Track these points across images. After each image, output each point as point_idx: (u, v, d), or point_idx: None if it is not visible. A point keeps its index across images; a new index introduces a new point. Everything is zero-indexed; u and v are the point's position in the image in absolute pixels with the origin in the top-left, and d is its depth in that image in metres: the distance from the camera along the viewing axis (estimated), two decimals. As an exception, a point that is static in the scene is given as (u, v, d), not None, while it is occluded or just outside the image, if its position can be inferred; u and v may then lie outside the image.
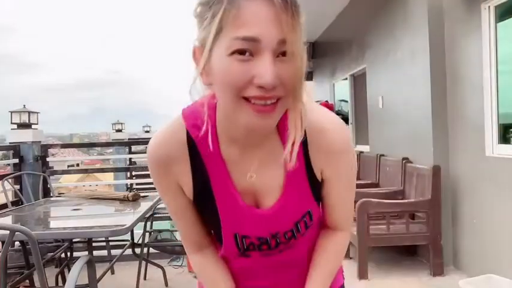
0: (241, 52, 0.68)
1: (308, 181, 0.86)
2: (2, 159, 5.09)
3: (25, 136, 4.53)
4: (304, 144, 0.82)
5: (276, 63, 0.68)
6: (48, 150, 4.63)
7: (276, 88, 0.69)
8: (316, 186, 0.88)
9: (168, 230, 3.68)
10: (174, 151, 0.83)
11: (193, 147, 0.82)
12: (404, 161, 4.15)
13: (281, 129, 0.81)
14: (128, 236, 3.46)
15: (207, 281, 0.98)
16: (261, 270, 0.97)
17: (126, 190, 6.66)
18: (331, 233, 0.98)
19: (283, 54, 0.69)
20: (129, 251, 3.51)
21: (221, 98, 0.74)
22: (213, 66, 0.71)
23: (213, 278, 0.97)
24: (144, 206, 3.01)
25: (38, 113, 4.84)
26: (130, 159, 8.07)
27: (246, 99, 0.70)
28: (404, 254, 4.09)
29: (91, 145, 8.71)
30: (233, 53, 0.68)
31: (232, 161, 0.83)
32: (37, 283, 2.33)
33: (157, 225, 3.73)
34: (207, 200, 0.86)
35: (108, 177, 9.42)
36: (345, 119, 6.80)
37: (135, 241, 3.48)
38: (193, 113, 0.82)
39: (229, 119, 0.77)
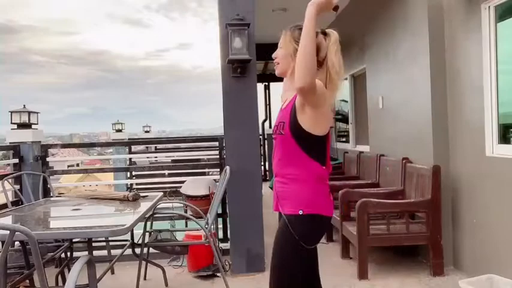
0: None
1: (292, 106, 1.80)
2: (2, 159, 5.09)
3: (25, 136, 4.52)
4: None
5: (277, 50, 1.94)
6: (48, 150, 4.63)
7: (276, 58, 1.94)
8: (293, 112, 1.78)
9: (168, 230, 3.68)
10: None
11: None
12: (404, 161, 4.15)
13: None
14: (128, 236, 3.46)
15: None
16: (274, 159, 1.90)
17: (126, 190, 6.66)
18: None
19: (280, 47, 1.92)
20: (129, 251, 3.51)
21: None
22: None
23: None
24: (144, 206, 3.01)
25: (38, 113, 4.83)
26: (130, 159, 8.06)
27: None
28: (404, 254, 4.09)
29: (91, 145, 8.67)
30: None
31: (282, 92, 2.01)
32: (37, 283, 2.33)
33: (157, 225, 3.73)
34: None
35: (108, 177, 9.42)
36: (345, 119, 6.81)
37: (135, 241, 3.48)
38: None
39: None
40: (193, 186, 4.41)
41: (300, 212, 1.77)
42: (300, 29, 1.77)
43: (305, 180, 1.79)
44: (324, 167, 1.83)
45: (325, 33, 1.90)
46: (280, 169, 1.86)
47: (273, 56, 1.93)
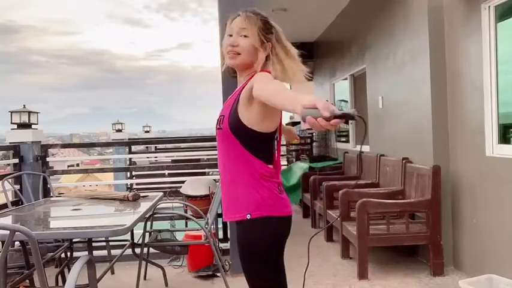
0: (229, 35, 1.68)
1: (235, 100, 1.64)
2: (2, 159, 5.09)
3: (25, 136, 4.52)
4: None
5: (238, 37, 1.65)
6: (48, 150, 4.63)
7: (236, 47, 1.65)
8: (235, 107, 1.62)
9: (168, 230, 3.68)
10: None
11: None
12: (404, 161, 4.15)
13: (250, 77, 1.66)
14: (128, 236, 3.46)
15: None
16: (218, 157, 1.78)
17: (126, 190, 6.66)
18: None
19: (245, 36, 1.64)
20: (129, 251, 3.51)
21: None
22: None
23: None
24: (144, 206, 3.01)
25: (38, 113, 4.83)
26: (130, 159, 8.07)
27: (228, 52, 1.67)
28: (405, 254, 4.09)
29: (91, 145, 8.69)
30: (227, 35, 1.69)
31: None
32: (37, 283, 2.33)
33: (157, 225, 3.73)
34: None
35: (108, 177, 9.42)
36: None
37: (135, 241, 3.48)
38: None
39: None
40: (193, 186, 4.42)
41: (248, 217, 1.61)
42: (263, 20, 1.68)
43: (249, 180, 1.62)
44: (270, 166, 1.66)
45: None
46: (223, 169, 1.72)
47: (233, 43, 1.66)
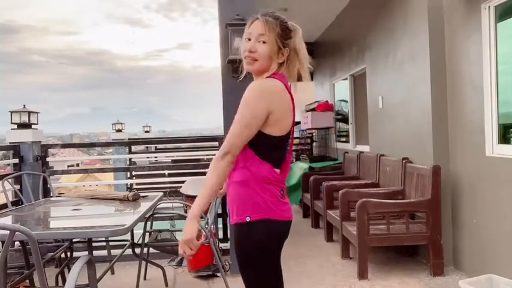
0: (247, 39, 1.69)
1: None
2: (2, 159, 5.09)
3: (25, 136, 4.52)
4: None
5: (256, 43, 1.66)
6: (48, 150, 4.63)
7: (253, 53, 1.66)
8: None
9: (168, 230, 3.68)
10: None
11: None
12: (404, 161, 4.15)
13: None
14: (128, 236, 3.46)
15: (219, 181, 1.61)
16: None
17: (126, 190, 6.66)
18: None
19: (263, 42, 1.66)
20: (129, 251, 3.51)
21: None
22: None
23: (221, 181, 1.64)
24: (144, 206, 3.01)
25: (38, 113, 4.83)
26: (130, 159, 8.07)
27: (245, 58, 1.69)
28: (405, 254, 4.09)
29: (91, 145, 8.69)
30: (245, 39, 1.70)
31: None
32: (37, 283, 2.33)
33: (157, 225, 3.73)
34: None
35: (108, 177, 9.42)
36: (345, 119, 6.81)
37: (135, 241, 3.48)
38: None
39: None
40: (193, 186, 4.41)
41: (248, 219, 1.62)
42: (282, 25, 1.67)
43: (253, 183, 1.63)
44: (278, 170, 1.67)
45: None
46: (230, 171, 1.68)
47: (251, 48, 1.66)
